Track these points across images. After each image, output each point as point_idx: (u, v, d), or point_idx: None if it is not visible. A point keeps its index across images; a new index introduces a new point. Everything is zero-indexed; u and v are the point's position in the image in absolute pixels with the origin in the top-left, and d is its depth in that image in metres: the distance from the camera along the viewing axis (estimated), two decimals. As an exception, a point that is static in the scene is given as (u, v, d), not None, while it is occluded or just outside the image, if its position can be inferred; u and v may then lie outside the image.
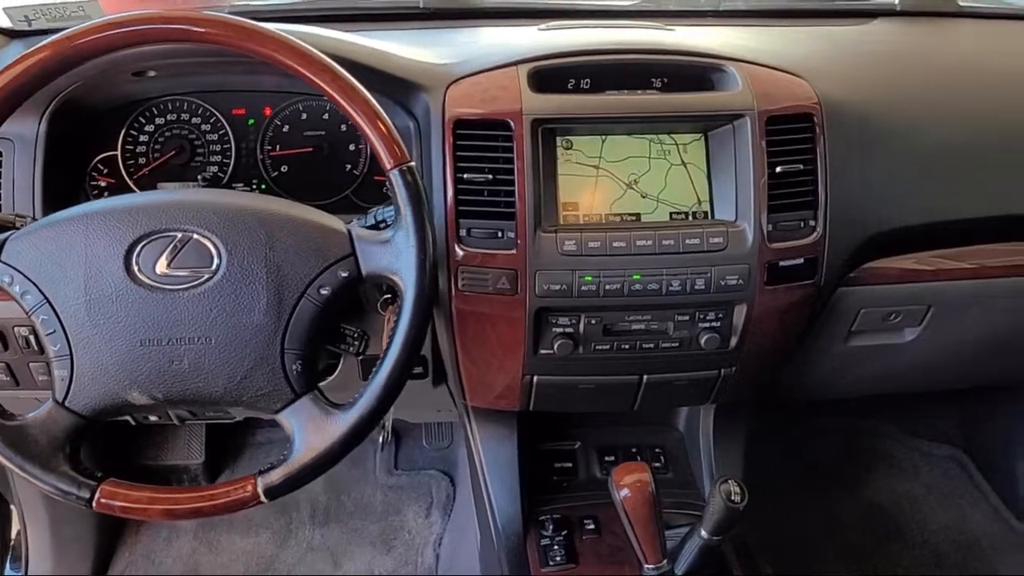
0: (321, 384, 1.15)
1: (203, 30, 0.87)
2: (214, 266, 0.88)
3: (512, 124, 1.06)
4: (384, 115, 0.90)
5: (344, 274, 0.89)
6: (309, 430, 0.88)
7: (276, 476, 0.88)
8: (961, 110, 1.25)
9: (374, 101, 0.90)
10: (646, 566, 1.06)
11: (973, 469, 2.01)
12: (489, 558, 1.37)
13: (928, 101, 1.24)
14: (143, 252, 0.87)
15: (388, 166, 0.89)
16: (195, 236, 0.88)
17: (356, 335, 0.97)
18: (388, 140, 0.89)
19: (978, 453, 2.02)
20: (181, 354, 0.87)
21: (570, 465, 1.44)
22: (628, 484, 1.03)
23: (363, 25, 1.39)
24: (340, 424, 0.89)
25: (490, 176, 1.06)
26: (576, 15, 1.43)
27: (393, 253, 0.90)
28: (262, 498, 0.88)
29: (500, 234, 1.07)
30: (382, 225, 1.00)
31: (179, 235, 0.88)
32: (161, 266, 0.87)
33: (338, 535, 1.81)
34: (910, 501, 1.93)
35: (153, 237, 0.88)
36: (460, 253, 1.07)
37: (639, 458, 1.44)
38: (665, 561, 1.06)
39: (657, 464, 1.45)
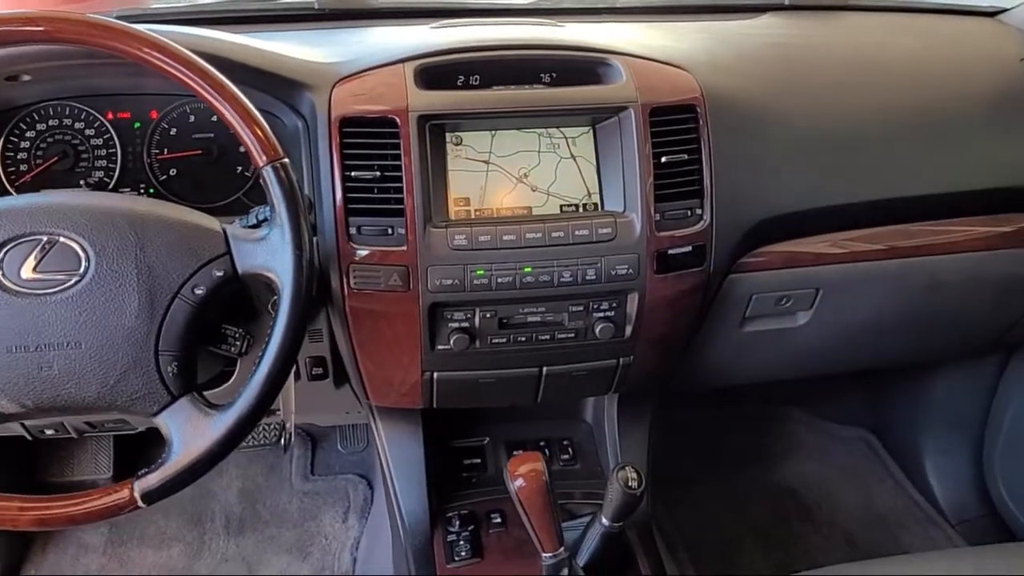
0: (216, 389, 1.13)
1: (62, 30, 0.86)
2: (82, 269, 0.86)
3: (398, 121, 1.06)
4: (255, 112, 0.89)
5: (219, 273, 0.88)
6: (187, 432, 0.87)
7: (153, 480, 0.86)
8: (841, 99, 1.28)
9: (244, 98, 0.89)
10: (543, 555, 1.06)
11: (880, 449, 2.07)
12: (400, 558, 1.36)
13: (809, 91, 1.28)
14: (8, 257, 0.85)
15: (260, 163, 0.88)
16: (61, 239, 0.86)
17: (238, 335, 0.96)
18: (259, 137, 0.88)
19: (884, 433, 2.09)
20: (50, 360, 0.85)
21: (479, 461, 1.45)
22: (522, 474, 1.03)
23: (258, 27, 1.38)
24: (219, 425, 0.87)
25: (378, 173, 1.06)
26: (472, 14, 1.43)
27: (268, 251, 0.89)
28: (139, 503, 0.86)
29: (390, 231, 1.06)
30: (264, 224, 0.99)
31: (45, 238, 0.86)
32: (27, 270, 0.85)
33: (253, 544, 1.78)
34: (820, 483, 1.98)
35: (17, 241, 0.86)
36: (351, 251, 1.07)
37: (547, 451, 1.45)
38: (563, 549, 1.07)
39: (565, 456, 1.46)
